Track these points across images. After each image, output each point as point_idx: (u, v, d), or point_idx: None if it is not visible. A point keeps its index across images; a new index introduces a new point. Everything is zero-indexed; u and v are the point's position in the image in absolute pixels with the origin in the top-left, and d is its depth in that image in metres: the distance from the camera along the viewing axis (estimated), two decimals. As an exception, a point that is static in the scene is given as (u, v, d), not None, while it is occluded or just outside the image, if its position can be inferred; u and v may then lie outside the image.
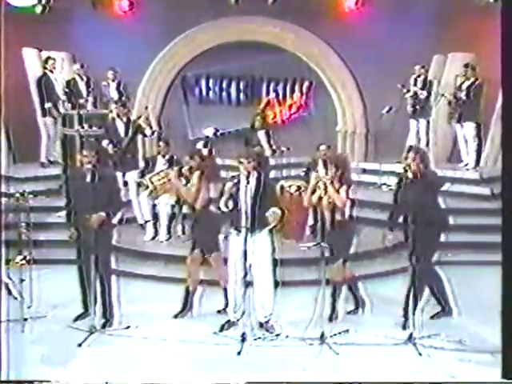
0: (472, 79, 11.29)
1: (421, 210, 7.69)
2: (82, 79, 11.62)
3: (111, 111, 10.90)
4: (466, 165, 11.41)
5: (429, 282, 7.97)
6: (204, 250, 8.17)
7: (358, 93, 12.19)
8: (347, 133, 12.40)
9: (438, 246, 8.07)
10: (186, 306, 8.22)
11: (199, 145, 10.98)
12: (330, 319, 7.93)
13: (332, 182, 7.93)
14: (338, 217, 7.98)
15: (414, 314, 7.65)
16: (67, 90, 11.61)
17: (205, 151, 10.52)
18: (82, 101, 11.45)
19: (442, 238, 8.07)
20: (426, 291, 7.98)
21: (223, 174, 9.64)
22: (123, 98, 11.32)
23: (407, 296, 7.75)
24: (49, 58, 11.65)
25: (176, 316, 8.18)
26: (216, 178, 8.73)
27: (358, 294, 8.23)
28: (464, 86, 11.31)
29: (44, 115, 11.61)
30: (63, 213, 8.62)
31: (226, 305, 8.01)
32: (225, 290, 8.02)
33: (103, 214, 7.70)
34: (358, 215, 8.34)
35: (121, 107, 10.57)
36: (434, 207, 7.92)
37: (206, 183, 8.22)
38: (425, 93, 11.49)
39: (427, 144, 11.52)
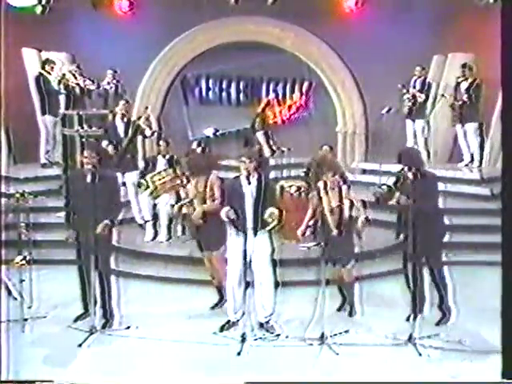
0: (470, 79, 11.25)
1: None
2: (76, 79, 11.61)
3: (111, 111, 10.90)
4: (467, 165, 11.40)
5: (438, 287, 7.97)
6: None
7: (358, 93, 12.19)
8: (347, 133, 12.39)
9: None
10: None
11: (194, 144, 10.93)
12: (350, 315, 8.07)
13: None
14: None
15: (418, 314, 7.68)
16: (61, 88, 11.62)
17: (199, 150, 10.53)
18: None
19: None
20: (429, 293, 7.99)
21: (223, 174, 9.62)
22: (126, 97, 11.30)
23: (413, 297, 7.76)
24: (48, 60, 11.61)
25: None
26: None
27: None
28: (463, 87, 11.29)
29: (43, 113, 11.60)
30: (63, 213, 8.64)
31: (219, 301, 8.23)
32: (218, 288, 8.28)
33: (108, 221, 7.74)
34: (357, 215, 8.33)
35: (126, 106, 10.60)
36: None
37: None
38: (423, 96, 11.47)
39: (425, 144, 11.52)
